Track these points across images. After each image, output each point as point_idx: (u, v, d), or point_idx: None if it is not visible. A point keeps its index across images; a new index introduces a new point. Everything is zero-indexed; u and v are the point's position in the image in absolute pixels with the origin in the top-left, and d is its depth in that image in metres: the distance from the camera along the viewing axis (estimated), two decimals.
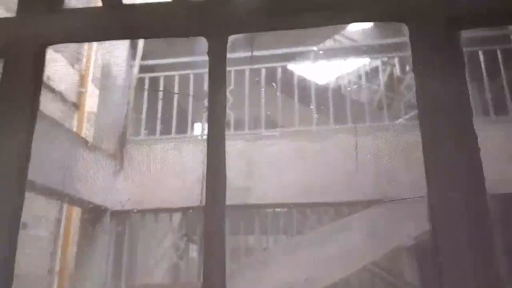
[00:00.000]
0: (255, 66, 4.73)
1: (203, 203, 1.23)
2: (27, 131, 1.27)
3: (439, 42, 1.29)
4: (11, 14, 1.52)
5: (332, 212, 4.53)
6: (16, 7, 1.45)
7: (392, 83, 6.20)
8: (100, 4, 1.41)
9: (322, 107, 4.58)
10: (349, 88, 5.43)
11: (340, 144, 4.34)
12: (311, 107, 4.62)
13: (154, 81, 4.99)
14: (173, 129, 4.79)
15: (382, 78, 5.75)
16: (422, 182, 1.26)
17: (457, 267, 1.12)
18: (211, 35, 1.40)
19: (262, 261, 4.28)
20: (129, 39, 4.60)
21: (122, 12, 1.41)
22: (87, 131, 5.18)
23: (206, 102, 4.95)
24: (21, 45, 1.26)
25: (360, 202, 4.16)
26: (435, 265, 1.15)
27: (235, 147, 4.32)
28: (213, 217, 1.23)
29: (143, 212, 4.45)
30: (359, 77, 6.20)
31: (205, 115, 4.77)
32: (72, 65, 5.59)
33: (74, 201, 4.08)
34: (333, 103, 4.65)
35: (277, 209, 4.92)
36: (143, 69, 5.06)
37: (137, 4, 1.44)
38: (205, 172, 1.34)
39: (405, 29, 1.36)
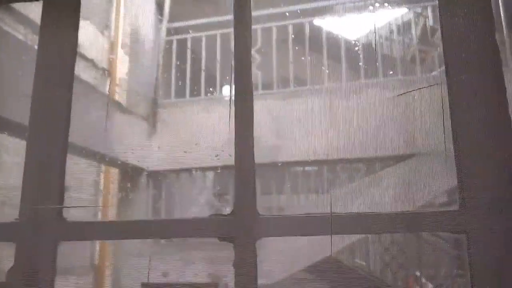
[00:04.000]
0: (282, 23, 4.65)
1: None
2: (66, 93, 1.35)
3: None
4: None
5: (363, 169, 4.52)
6: None
7: (426, 37, 5.96)
8: None
9: (355, 59, 4.49)
10: (381, 43, 5.27)
11: (371, 99, 4.27)
12: (341, 63, 4.53)
13: (181, 44, 5.02)
14: (202, 91, 4.86)
15: (415, 31, 5.53)
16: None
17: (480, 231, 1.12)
18: None
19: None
20: None
21: None
22: (120, 96, 5.32)
23: (233, 62, 4.94)
24: None
25: (392, 157, 4.13)
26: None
27: (263, 106, 4.34)
28: (243, 175, 1.25)
29: (177, 171, 4.61)
30: (391, 31, 5.98)
31: (232, 76, 4.78)
32: (102, 32, 5.67)
33: (112, 162, 4.26)
34: (363, 59, 4.55)
35: (307, 168, 4.96)
36: (170, 32, 5.08)
37: None
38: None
39: None
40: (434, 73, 4.70)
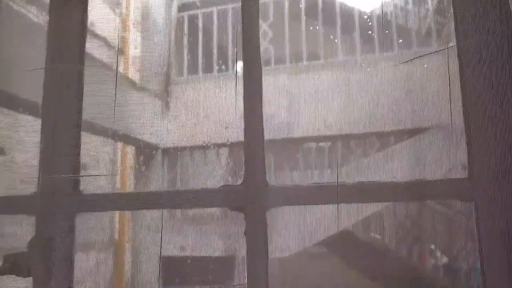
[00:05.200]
0: None
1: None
2: (78, 69, 1.36)
3: None
4: None
5: (378, 143, 4.49)
6: None
7: (443, 7, 5.79)
8: None
9: (370, 32, 4.39)
10: (396, 14, 5.14)
11: (385, 72, 4.20)
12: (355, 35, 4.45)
13: (193, 19, 4.98)
14: (215, 68, 4.84)
15: (431, 1, 5.37)
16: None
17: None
18: None
19: None
20: None
21: None
22: (133, 74, 5.34)
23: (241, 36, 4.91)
24: None
25: (406, 131, 4.08)
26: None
27: (276, 81, 4.31)
28: (252, 145, 1.25)
29: (191, 148, 4.65)
30: (406, 2, 5.82)
31: (240, 50, 4.72)
32: (113, 10, 5.65)
33: (127, 139, 4.32)
34: (378, 31, 4.45)
35: (320, 143, 4.94)
36: (181, 8, 5.04)
37: None
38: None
39: None
40: (451, 44, 4.57)
